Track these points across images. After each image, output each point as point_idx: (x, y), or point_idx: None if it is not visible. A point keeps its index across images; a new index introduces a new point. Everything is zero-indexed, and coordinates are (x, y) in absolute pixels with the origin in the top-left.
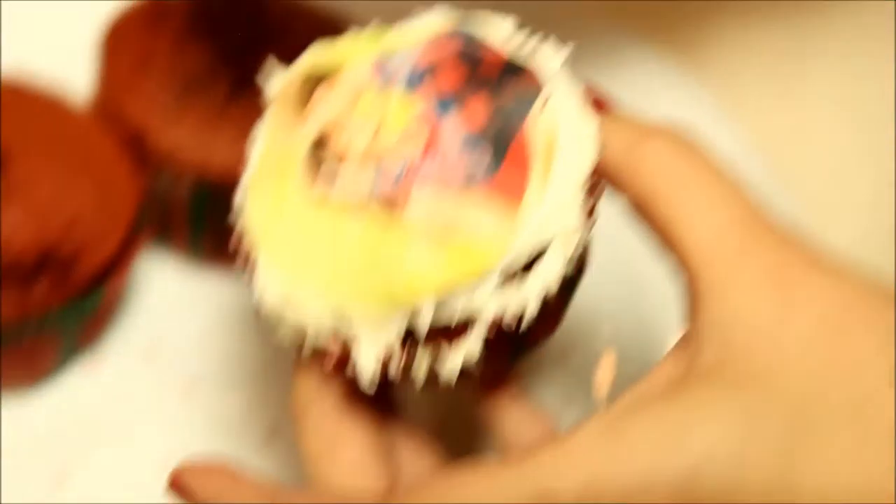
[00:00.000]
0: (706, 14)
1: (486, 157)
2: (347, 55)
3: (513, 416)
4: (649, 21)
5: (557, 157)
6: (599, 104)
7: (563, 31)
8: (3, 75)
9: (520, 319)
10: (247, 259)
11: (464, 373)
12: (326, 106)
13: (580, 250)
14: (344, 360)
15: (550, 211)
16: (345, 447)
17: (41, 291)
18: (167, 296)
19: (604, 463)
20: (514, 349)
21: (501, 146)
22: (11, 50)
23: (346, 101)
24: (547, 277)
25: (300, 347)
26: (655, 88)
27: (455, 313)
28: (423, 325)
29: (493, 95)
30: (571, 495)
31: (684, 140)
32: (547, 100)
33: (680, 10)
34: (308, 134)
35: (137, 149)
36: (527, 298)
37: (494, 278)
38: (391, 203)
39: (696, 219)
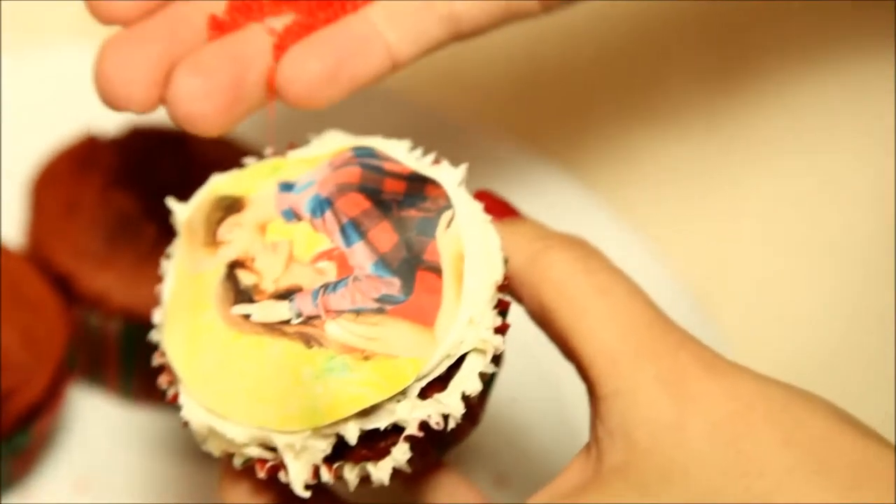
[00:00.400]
0: (600, 128)
1: (396, 282)
2: (249, 183)
3: (446, 490)
4: (551, 138)
5: (467, 271)
6: (501, 207)
7: (461, 150)
8: None
9: (445, 423)
10: (169, 392)
11: (395, 473)
12: (235, 237)
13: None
14: (274, 470)
15: (464, 325)
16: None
17: None
18: (98, 431)
19: None
20: (441, 445)
21: (410, 268)
22: None
23: (254, 232)
24: (467, 386)
25: (228, 463)
26: (556, 203)
27: (380, 425)
28: (350, 439)
29: (397, 218)
30: None
31: (582, 249)
32: (451, 219)
33: (579, 128)
34: (219, 265)
35: (66, 290)
36: (449, 405)
37: (415, 391)
38: (309, 325)
39: (594, 329)
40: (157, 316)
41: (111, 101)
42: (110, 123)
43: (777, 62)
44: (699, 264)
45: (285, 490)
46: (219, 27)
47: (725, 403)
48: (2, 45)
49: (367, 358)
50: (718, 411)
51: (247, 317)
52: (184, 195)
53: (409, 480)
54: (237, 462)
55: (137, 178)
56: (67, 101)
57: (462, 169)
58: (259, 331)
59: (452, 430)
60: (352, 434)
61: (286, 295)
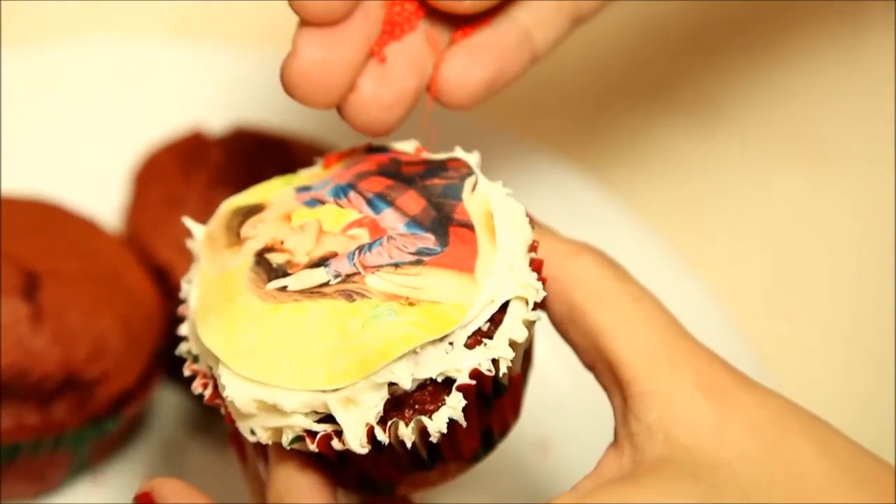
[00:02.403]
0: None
1: (430, 237)
2: (265, 193)
3: None
4: (563, 135)
5: (498, 227)
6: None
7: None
8: (37, 198)
9: (496, 368)
10: (206, 394)
11: (437, 451)
12: (259, 231)
13: (529, 342)
14: (326, 440)
15: (503, 271)
16: (312, 492)
17: (61, 412)
18: (179, 422)
19: None
20: (489, 441)
21: (443, 225)
22: (47, 173)
23: (278, 221)
24: (513, 333)
25: (276, 448)
26: (573, 202)
27: (431, 373)
28: (404, 383)
29: (422, 186)
30: None
31: (609, 258)
32: (475, 183)
33: (587, 122)
34: (246, 256)
35: (163, 282)
36: (498, 349)
37: (462, 339)
38: (349, 282)
39: (630, 330)
40: (183, 328)
41: (302, 96)
42: (215, 120)
43: (789, 60)
44: (722, 269)
45: (335, 469)
46: (392, 27)
47: (761, 412)
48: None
49: (411, 304)
50: (755, 418)
51: (283, 289)
52: None
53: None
54: (286, 440)
55: (242, 179)
56: (173, 95)
57: (476, 154)
58: (298, 298)
59: (494, 419)
60: (404, 378)
61: (321, 263)
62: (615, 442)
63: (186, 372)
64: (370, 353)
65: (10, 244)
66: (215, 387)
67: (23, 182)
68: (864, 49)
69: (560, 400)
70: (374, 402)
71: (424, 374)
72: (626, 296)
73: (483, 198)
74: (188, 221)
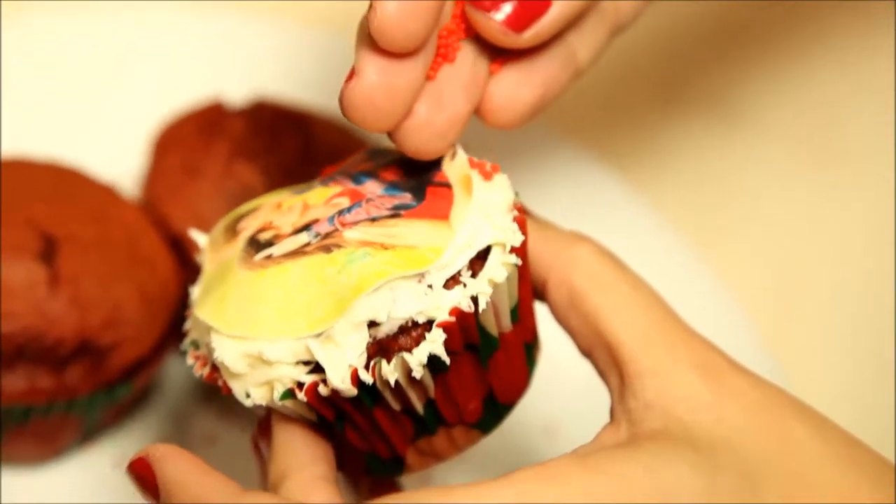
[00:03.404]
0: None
1: (408, 196)
2: (264, 199)
3: None
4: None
5: (476, 186)
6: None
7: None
8: (56, 163)
9: (476, 306)
10: (204, 373)
11: (437, 412)
12: (254, 220)
13: (517, 296)
14: (315, 389)
15: (479, 218)
16: (316, 464)
17: (74, 377)
18: (187, 391)
19: (581, 487)
20: (496, 413)
21: (421, 186)
22: (67, 138)
23: (271, 209)
24: (493, 274)
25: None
26: (591, 192)
27: (409, 312)
28: (380, 317)
29: (404, 163)
30: None
31: (607, 249)
32: (455, 152)
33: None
34: (240, 242)
35: (179, 251)
36: (477, 287)
37: (440, 281)
38: (328, 239)
39: (629, 314)
40: (187, 324)
41: (361, 120)
42: (235, 92)
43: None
44: (736, 264)
45: (341, 456)
46: (445, 50)
47: (754, 394)
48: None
49: (386, 248)
50: (750, 399)
51: (269, 257)
52: (304, 176)
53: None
54: (277, 394)
55: (262, 152)
56: (194, 64)
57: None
58: (281, 261)
59: (499, 377)
60: (380, 314)
61: (304, 229)
62: (612, 420)
63: (189, 360)
64: (346, 292)
65: (30, 207)
66: (214, 366)
67: (42, 147)
68: (882, 48)
69: (569, 385)
70: (355, 343)
71: (402, 312)
72: (625, 282)
73: (462, 163)
74: (195, 233)
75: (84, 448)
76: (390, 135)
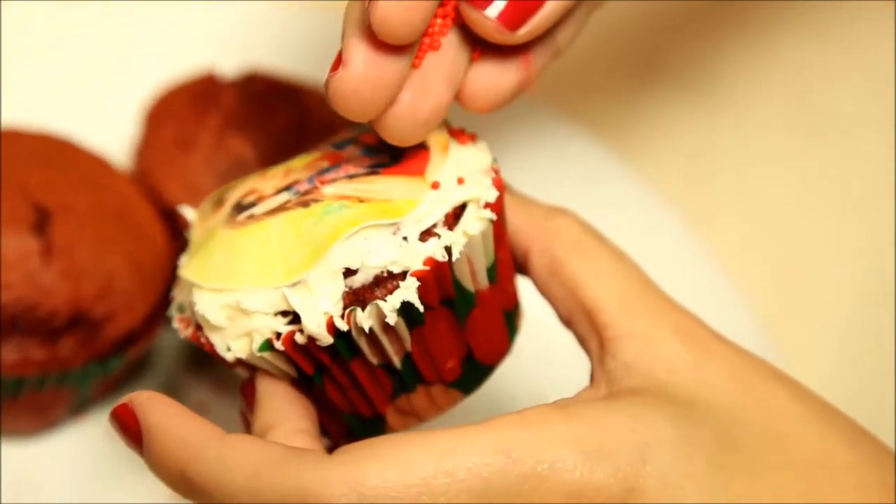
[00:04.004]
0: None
1: (385, 156)
2: (248, 178)
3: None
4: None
5: (453, 149)
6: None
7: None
8: (49, 133)
9: (449, 255)
10: (188, 333)
11: (415, 369)
12: (239, 190)
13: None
14: (292, 338)
15: (453, 177)
16: (299, 419)
17: (67, 348)
18: (179, 363)
19: (560, 433)
20: (477, 375)
21: (399, 150)
22: (58, 108)
23: (255, 180)
24: (468, 227)
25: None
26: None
27: (382, 262)
28: (352, 264)
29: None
30: (529, 461)
31: (586, 221)
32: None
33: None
34: (226, 208)
35: (171, 223)
36: (451, 238)
37: (415, 234)
38: (307, 195)
39: (610, 280)
40: (174, 290)
41: (347, 110)
42: (228, 64)
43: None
44: (733, 244)
45: (323, 418)
46: (431, 38)
47: (735, 360)
48: None
49: (362, 201)
50: (731, 364)
51: (251, 217)
52: (297, 148)
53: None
54: (256, 345)
55: (254, 124)
56: (185, 36)
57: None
58: (262, 218)
59: (477, 336)
60: (354, 261)
61: (285, 189)
62: (591, 383)
63: (174, 324)
64: (321, 240)
65: (22, 177)
66: (197, 326)
67: (34, 117)
68: (873, 19)
69: (555, 354)
70: (331, 291)
71: (377, 261)
72: (605, 251)
73: (440, 130)
74: (184, 209)
75: (77, 419)
76: (372, 122)
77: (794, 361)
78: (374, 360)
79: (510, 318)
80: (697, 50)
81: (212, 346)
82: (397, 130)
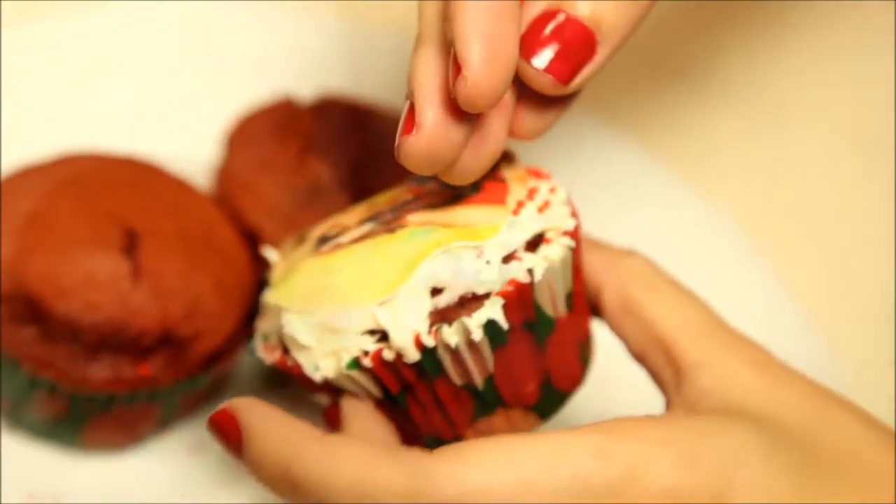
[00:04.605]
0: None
1: (466, 188)
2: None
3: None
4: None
5: (531, 181)
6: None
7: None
8: (133, 157)
9: (531, 277)
10: (274, 358)
11: (495, 390)
12: (322, 225)
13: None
14: (380, 356)
15: (534, 207)
16: (385, 437)
17: (157, 367)
18: (256, 384)
19: (656, 440)
20: (551, 403)
21: (478, 183)
22: (143, 133)
23: (338, 216)
24: (549, 252)
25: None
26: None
27: (468, 281)
28: (440, 283)
29: None
30: (626, 463)
31: (653, 261)
32: (510, 157)
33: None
34: (310, 242)
35: (252, 245)
36: (532, 260)
37: (499, 254)
38: (392, 223)
39: (680, 317)
40: (257, 322)
41: (418, 168)
42: (304, 90)
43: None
44: (787, 252)
45: (403, 435)
46: None
47: (805, 386)
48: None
49: (447, 227)
50: (801, 389)
51: (337, 245)
52: (372, 172)
53: None
54: (344, 363)
55: (332, 148)
56: (258, 61)
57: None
58: (349, 245)
59: (555, 360)
60: (442, 279)
61: (370, 219)
62: (668, 409)
63: (259, 353)
64: (408, 260)
65: (111, 201)
66: (284, 350)
67: (118, 141)
68: None
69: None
70: (419, 308)
71: (462, 280)
72: (677, 290)
73: (518, 166)
74: (268, 251)
75: (161, 435)
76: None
77: (853, 369)
78: (457, 380)
79: (584, 347)
80: (745, 60)
81: (299, 367)
82: (460, 178)
